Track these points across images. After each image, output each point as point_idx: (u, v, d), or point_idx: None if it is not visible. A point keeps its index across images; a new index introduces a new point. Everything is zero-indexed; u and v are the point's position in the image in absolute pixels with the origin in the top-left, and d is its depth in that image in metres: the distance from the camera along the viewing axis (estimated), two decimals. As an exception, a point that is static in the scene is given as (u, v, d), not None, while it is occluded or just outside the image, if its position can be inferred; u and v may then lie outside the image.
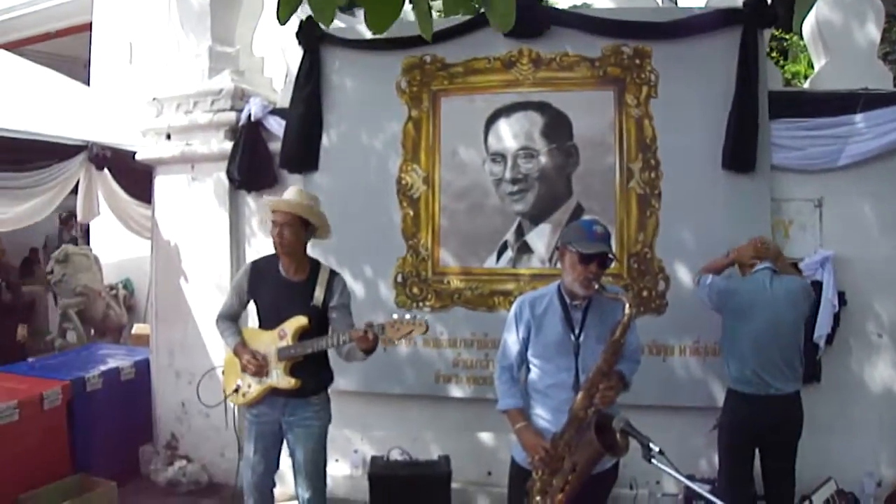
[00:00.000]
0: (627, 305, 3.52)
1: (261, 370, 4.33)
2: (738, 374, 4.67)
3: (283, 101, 6.37)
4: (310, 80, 6.14)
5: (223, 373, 4.72)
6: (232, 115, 6.42)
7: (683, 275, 5.52)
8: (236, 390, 4.46)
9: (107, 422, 6.41)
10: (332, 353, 4.55)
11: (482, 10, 4.96)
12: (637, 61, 5.63)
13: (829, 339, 5.34)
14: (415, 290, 5.95)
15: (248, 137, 6.28)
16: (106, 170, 7.42)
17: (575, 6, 7.53)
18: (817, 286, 5.18)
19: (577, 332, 3.69)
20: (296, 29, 6.14)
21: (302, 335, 4.28)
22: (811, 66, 6.75)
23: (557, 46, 5.76)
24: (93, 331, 11.39)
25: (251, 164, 6.28)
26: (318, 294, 4.34)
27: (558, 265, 3.82)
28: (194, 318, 6.67)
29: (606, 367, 3.51)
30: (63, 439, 6.02)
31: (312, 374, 4.38)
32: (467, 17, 5.87)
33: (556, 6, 5.89)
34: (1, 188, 6.50)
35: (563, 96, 5.75)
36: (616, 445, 3.29)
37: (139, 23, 12.14)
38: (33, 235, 13.56)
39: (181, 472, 6.46)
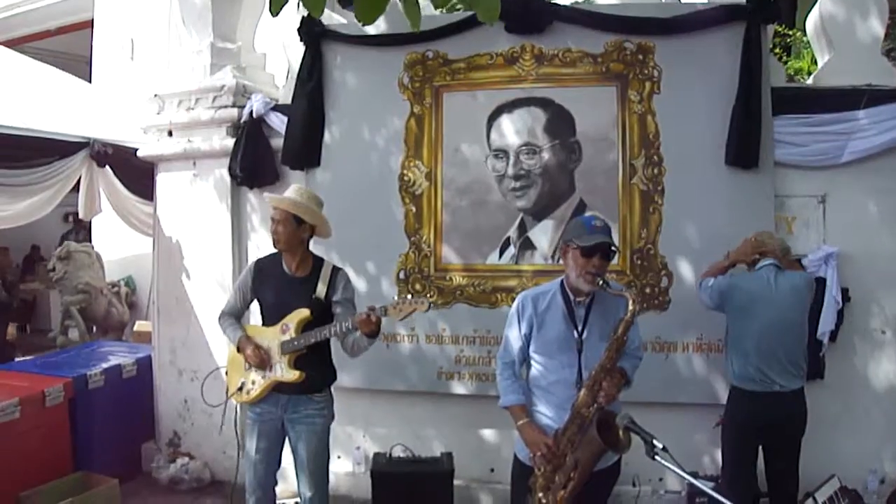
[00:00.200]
0: (631, 302, 3.51)
1: (263, 363, 4.32)
2: (741, 372, 4.66)
3: (286, 97, 6.36)
4: (312, 77, 6.12)
5: (227, 372, 4.71)
6: (234, 112, 6.40)
7: (686, 271, 5.51)
8: (240, 388, 4.45)
9: (109, 419, 6.40)
10: (335, 351, 4.54)
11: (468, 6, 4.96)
12: (640, 57, 5.62)
13: (833, 336, 5.34)
14: (417, 286, 5.94)
15: (249, 134, 6.26)
16: (107, 167, 7.43)
17: (577, 2, 7.52)
18: (821, 283, 5.18)
19: (580, 328, 3.68)
20: (297, 25, 6.12)
21: (305, 327, 4.27)
22: (814, 62, 6.74)
23: (560, 42, 5.74)
24: (95, 328, 11.40)
25: (253, 160, 6.26)
26: (321, 288, 4.33)
27: (561, 261, 3.82)
28: (196, 315, 6.66)
29: (609, 364, 3.50)
30: (65, 437, 6.01)
31: (316, 370, 4.36)
32: (469, 13, 5.84)
33: (559, 2, 5.84)
34: (2, 185, 6.50)
35: (565, 92, 5.74)
36: (618, 442, 3.29)
37: (140, 19, 12.15)
38: (36, 233, 13.59)
39: (183, 470, 6.44)
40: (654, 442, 2.86)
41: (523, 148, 5.78)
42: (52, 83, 8.64)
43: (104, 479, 5.81)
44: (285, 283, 4.42)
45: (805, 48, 9.26)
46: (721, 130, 5.40)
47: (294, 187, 4.50)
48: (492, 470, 5.94)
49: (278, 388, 4.36)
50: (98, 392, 6.31)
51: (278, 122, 6.27)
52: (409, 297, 4.06)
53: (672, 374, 5.53)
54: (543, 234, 5.75)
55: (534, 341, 3.76)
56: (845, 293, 5.31)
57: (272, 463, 4.53)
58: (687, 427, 5.44)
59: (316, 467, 4.44)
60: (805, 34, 6.87)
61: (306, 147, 6.13)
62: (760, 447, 4.76)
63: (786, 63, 9.35)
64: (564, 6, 5.68)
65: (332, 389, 4.58)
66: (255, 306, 4.67)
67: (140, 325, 10.85)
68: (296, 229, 4.31)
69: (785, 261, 4.81)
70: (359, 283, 5.82)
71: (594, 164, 5.69)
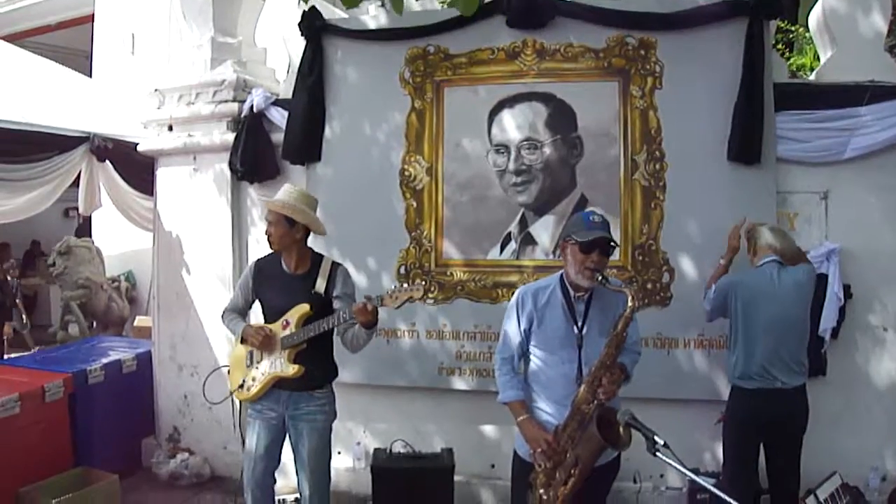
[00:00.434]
0: (630, 298, 3.49)
1: (266, 342, 4.31)
2: (744, 369, 4.64)
3: (286, 91, 6.35)
4: (312, 71, 6.10)
5: (229, 371, 4.71)
6: (234, 107, 6.39)
7: (688, 267, 5.50)
8: (241, 385, 4.45)
9: (109, 414, 6.40)
10: (336, 348, 4.53)
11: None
12: (642, 52, 5.60)
13: (835, 333, 5.32)
14: (418, 281, 5.90)
15: (250, 128, 6.25)
16: (107, 161, 7.41)
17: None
18: (822, 279, 5.16)
19: (580, 324, 3.68)
20: (298, 19, 6.10)
21: (305, 322, 4.26)
22: (817, 58, 6.70)
23: (562, 37, 5.72)
24: (95, 323, 11.40)
25: (253, 155, 6.25)
26: (321, 284, 4.33)
27: (562, 258, 3.80)
28: (196, 310, 6.66)
29: (609, 361, 3.49)
30: (65, 432, 6.01)
31: (316, 365, 4.35)
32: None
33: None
34: (1, 180, 6.48)
35: (567, 87, 5.72)
36: (619, 439, 3.28)
37: (141, 14, 12.15)
38: (37, 228, 13.59)
39: (183, 465, 6.44)
40: (656, 438, 2.85)
41: (524, 143, 5.76)
42: (53, 78, 8.62)
43: (104, 475, 5.81)
44: (285, 281, 4.42)
45: (808, 44, 9.20)
46: (723, 126, 5.38)
47: (286, 188, 4.50)
48: (492, 466, 5.93)
49: (279, 384, 4.35)
50: (98, 387, 6.31)
51: (279, 116, 6.26)
52: (405, 285, 4.06)
53: (673, 371, 5.51)
54: (544, 230, 5.73)
55: (533, 337, 3.75)
56: (847, 290, 5.29)
57: (272, 460, 4.51)
58: (688, 423, 5.43)
59: (317, 465, 4.44)
60: (808, 30, 6.84)
61: (307, 142, 6.12)
62: (762, 444, 4.74)
63: (788, 59, 9.29)
64: (566, 1, 5.65)
65: (333, 386, 4.57)
66: (257, 307, 4.66)
67: (140, 321, 10.85)
68: (288, 230, 4.31)
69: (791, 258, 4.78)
70: (359, 279, 5.81)
71: (596, 159, 5.67)
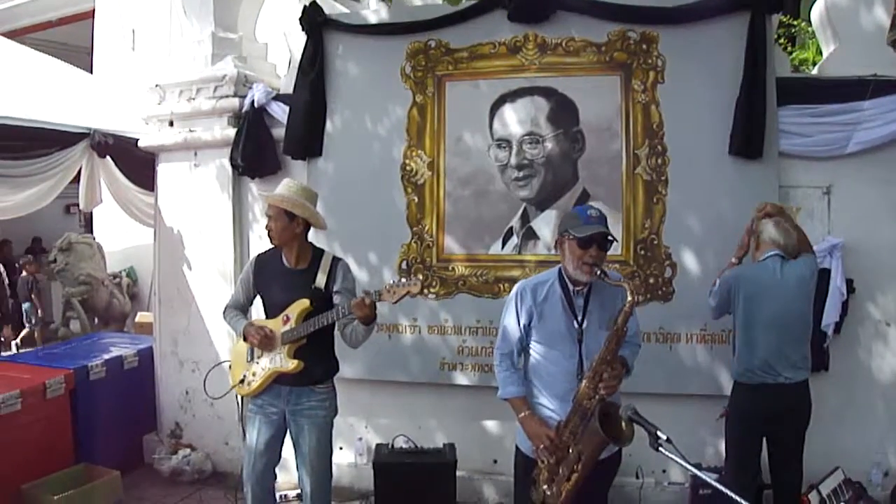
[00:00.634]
0: (629, 293, 3.47)
1: (266, 341, 4.31)
2: (747, 364, 4.63)
3: (287, 86, 6.34)
4: (313, 66, 6.09)
5: (230, 366, 4.70)
6: (235, 102, 6.38)
7: (690, 262, 5.49)
8: (242, 381, 4.45)
9: (110, 411, 6.41)
10: (337, 343, 4.52)
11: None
12: (644, 46, 5.58)
13: (837, 328, 5.31)
14: (419, 277, 5.90)
15: (251, 124, 6.24)
16: (108, 157, 7.39)
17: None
18: (825, 274, 5.14)
19: (579, 318, 3.66)
20: (299, 14, 6.09)
21: (306, 317, 4.26)
22: (819, 52, 6.69)
23: (563, 31, 5.70)
24: (96, 319, 11.42)
25: (254, 150, 6.24)
26: (321, 278, 4.33)
27: (559, 252, 3.78)
28: (198, 305, 6.66)
29: (609, 356, 3.47)
30: (66, 428, 6.02)
31: (316, 360, 4.34)
32: (472, 2, 5.82)
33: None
34: (2, 176, 6.47)
35: (568, 81, 5.70)
36: (621, 434, 3.27)
37: (141, 10, 12.15)
38: (38, 225, 13.61)
39: (185, 461, 6.44)
40: (658, 433, 2.83)
41: (526, 137, 5.75)
42: (53, 74, 8.61)
43: (106, 471, 5.83)
44: (286, 276, 4.41)
45: (810, 38, 9.19)
46: (725, 121, 5.36)
47: (285, 182, 4.49)
48: (495, 461, 5.92)
49: (280, 379, 4.34)
50: (99, 383, 6.32)
51: (280, 111, 6.25)
52: (402, 279, 4.05)
53: (676, 366, 5.50)
54: (546, 224, 5.72)
55: (533, 332, 3.74)
56: (850, 284, 5.28)
57: (272, 456, 4.51)
58: (691, 419, 5.42)
59: (318, 461, 4.43)
60: (810, 24, 6.82)
61: (308, 137, 6.11)
62: (764, 439, 4.73)
63: (791, 53, 9.29)
64: (568, -5, 5.65)
65: (335, 381, 4.56)
66: (259, 302, 4.65)
67: (141, 316, 10.88)
68: (288, 224, 4.30)
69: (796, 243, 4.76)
70: (361, 274, 5.81)
71: (597, 153, 5.66)
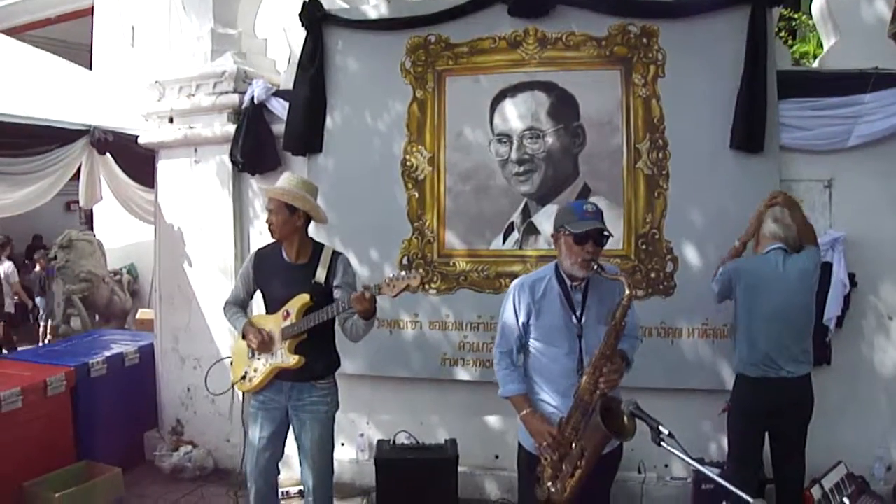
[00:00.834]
0: (627, 287, 3.46)
1: (265, 344, 4.30)
2: (748, 357, 4.62)
3: (287, 82, 6.33)
4: (313, 62, 6.08)
5: (231, 363, 4.69)
6: (235, 98, 6.38)
7: (692, 256, 5.48)
8: (243, 377, 4.44)
9: (111, 408, 6.41)
10: (338, 339, 4.51)
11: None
12: (644, 40, 5.56)
13: (840, 322, 5.30)
14: (419, 271, 5.89)
15: (251, 120, 6.23)
16: (108, 154, 7.39)
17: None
18: (827, 268, 5.12)
19: (578, 314, 3.65)
20: (298, 10, 6.08)
21: (306, 312, 4.24)
22: (820, 46, 6.67)
23: (563, 26, 5.69)
24: (97, 316, 11.41)
25: (254, 146, 6.23)
26: (321, 273, 4.32)
27: (555, 248, 3.77)
28: (198, 302, 6.65)
29: (609, 351, 3.46)
30: (67, 426, 6.01)
31: (317, 356, 4.34)
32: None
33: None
34: (2, 173, 6.46)
35: (569, 76, 5.69)
36: (623, 429, 3.26)
37: (141, 6, 12.14)
38: (38, 222, 13.60)
39: (186, 458, 6.44)
40: (660, 428, 2.83)
41: (527, 132, 5.74)
42: (53, 71, 8.60)
43: (107, 468, 5.83)
44: (286, 271, 4.40)
45: (811, 31, 9.19)
46: (726, 114, 5.35)
47: (285, 175, 4.48)
48: (496, 457, 5.93)
49: (281, 375, 4.34)
50: (100, 381, 6.32)
51: (280, 107, 6.24)
52: (402, 273, 4.04)
53: (677, 360, 5.50)
54: (547, 219, 5.69)
55: (533, 329, 3.73)
56: (852, 278, 5.27)
57: (275, 451, 4.51)
58: (693, 413, 5.42)
59: (320, 457, 4.43)
60: (811, 17, 6.82)
61: (308, 133, 6.10)
62: (767, 433, 4.73)
63: (791, 46, 9.27)
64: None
65: (336, 376, 4.56)
66: (259, 298, 4.64)
67: (142, 313, 10.87)
68: (289, 217, 4.29)
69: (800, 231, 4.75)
70: (362, 270, 5.81)
71: (598, 148, 5.65)
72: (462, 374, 5.89)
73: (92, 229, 12.70)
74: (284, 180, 4.40)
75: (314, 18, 6.06)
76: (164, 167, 6.86)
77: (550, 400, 3.67)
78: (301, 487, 4.63)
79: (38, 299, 11.66)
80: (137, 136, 6.94)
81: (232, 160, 6.34)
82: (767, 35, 5.31)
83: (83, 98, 8.08)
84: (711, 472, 2.83)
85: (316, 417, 4.38)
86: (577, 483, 3.38)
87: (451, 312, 5.90)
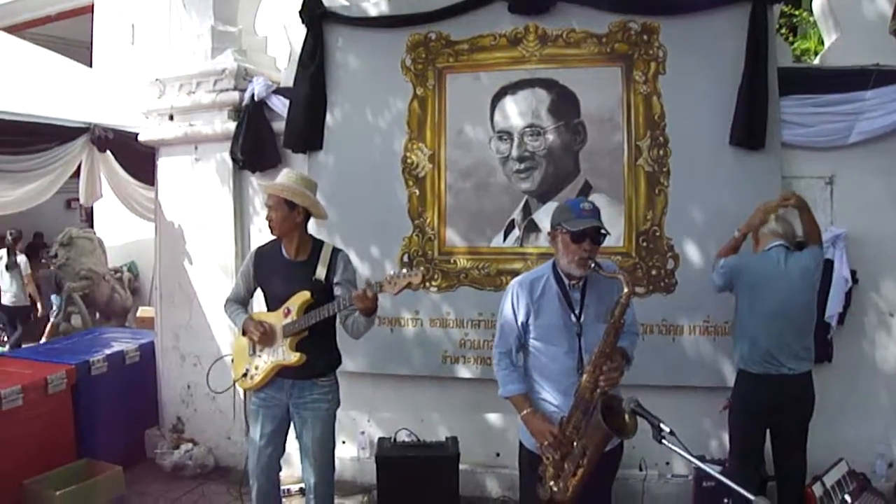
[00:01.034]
0: (626, 284, 3.45)
1: (266, 337, 4.30)
2: (749, 354, 4.62)
3: (287, 80, 6.33)
4: (313, 59, 6.08)
5: (232, 360, 4.69)
6: (235, 95, 6.37)
7: (693, 253, 5.47)
8: (244, 375, 4.43)
9: (112, 406, 6.40)
10: (339, 337, 4.51)
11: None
12: (645, 37, 5.55)
13: (841, 319, 5.29)
14: (420, 268, 5.88)
15: (251, 117, 6.23)
16: (108, 151, 7.39)
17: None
18: (829, 264, 5.11)
19: (577, 312, 3.65)
20: (299, 7, 6.07)
21: (307, 310, 4.24)
22: (821, 42, 6.67)
23: (564, 23, 5.68)
24: (97, 314, 11.41)
25: (255, 144, 6.23)
26: (321, 270, 4.32)
27: (552, 246, 3.77)
28: (199, 299, 6.65)
29: (608, 348, 3.46)
30: (68, 424, 6.00)
31: (319, 353, 4.34)
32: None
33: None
34: (2, 171, 6.46)
35: (569, 73, 5.68)
36: (624, 427, 3.26)
37: (141, 4, 12.14)
38: (39, 220, 13.59)
39: (187, 456, 6.43)
40: (661, 426, 2.82)
41: (527, 129, 5.73)
42: (53, 68, 8.60)
43: (108, 466, 5.81)
44: (286, 268, 4.40)
45: (812, 28, 9.18)
46: (727, 111, 5.34)
47: (284, 172, 4.49)
48: (497, 454, 5.93)
49: (282, 372, 4.33)
50: (101, 378, 6.31)
51: (280, 105, 6.23)
52: (403, 270, 4.03)
53: (679, 357, 5.49)
54: (548, 217, 5.56)
55: (532, 329, 3.72)
56: (853, 275, 5.26)
57: (276, 449, 4.51)
58: (694, 411, 5.42)
59: (321, 454, 4.42)
60: (812, 14, 6.81)
61: (308, 130, 6.10)
62: (768, 430, 4.74)
63: (792, 43, 9.28)
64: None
65: (337, 374, 4.55)
66: (259, 295, 4.64)
67: (143, 311, 10.87)
68: (288, 213, 4.29)
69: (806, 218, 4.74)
70: (362, 267, 5.81)
71: (599, 145, 5.64)
72: (463, 371, 5.89)
73: (92, 227, 12.70)
74: (284, 176, 4.39)
75: (314, 16, 6.06)
76: (164, 165, 6.85)
77: (551, 399, 3.67)
78: (302, 485, 4.62)
79: (53, 297, 11.61)
80: (138, 134, 6.92)
81: (232, 158, 6.34)
82: (768, 32, 5.30)
83: (83, 96, 8.08)
84: (713, 470, 2.82)
85: (317, 415, 4.37)
86: (580, 481, 3.38)
87: (452, 310, 5.90)
